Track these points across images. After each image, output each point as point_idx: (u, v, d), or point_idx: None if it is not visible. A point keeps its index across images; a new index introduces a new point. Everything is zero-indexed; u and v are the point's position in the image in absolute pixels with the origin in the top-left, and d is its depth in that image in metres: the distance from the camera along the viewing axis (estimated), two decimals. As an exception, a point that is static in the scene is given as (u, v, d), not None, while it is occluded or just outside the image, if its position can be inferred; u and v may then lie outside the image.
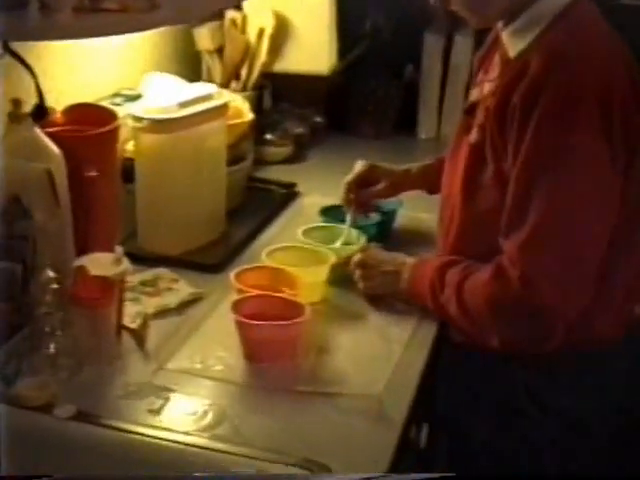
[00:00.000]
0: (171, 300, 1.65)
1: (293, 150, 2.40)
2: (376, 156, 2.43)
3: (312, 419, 1.37)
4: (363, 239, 1.78)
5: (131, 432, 1.32)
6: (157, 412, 1.36)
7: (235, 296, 1.57)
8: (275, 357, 1.48)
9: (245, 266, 1.65)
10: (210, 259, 1.81)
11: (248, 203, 2.09)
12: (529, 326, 1.47)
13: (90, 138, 1.60)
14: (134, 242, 1.83)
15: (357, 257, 1.69)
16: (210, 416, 1.36)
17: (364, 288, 1.69)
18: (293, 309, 1.52)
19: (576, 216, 1.45)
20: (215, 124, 1.82)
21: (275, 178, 2.23)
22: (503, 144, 1.49)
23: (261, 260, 1.68)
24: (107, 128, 1.61)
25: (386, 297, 1.68)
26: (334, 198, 1.91)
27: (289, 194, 2.16)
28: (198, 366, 1.47)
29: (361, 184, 1.85)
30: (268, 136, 2.36)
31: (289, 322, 1.47)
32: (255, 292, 1.55)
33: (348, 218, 1.83)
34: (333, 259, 1.68)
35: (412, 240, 1.96)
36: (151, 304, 1.64)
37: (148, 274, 1.74)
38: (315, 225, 1.84)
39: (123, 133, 1.81)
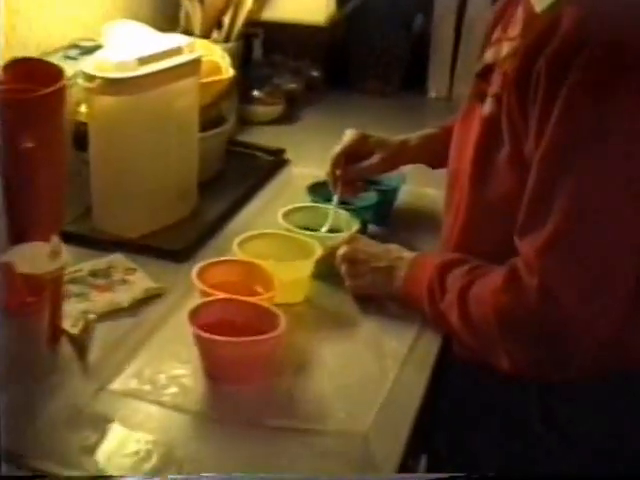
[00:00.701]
0: (124, 297, 1.38)
1: (284, 109, 2.11)
2: (380, 116, 2.19)
3: (282, 462, 1.10)
4: (355, 224, 1.50)
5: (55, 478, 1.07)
6: (91, 451, 1.10)
7: (198, 298, 1.30)
8: (241, 379, 1.22)
9: (211, 260, 1.38)
10: (176, 243, 1.54)
11: (227, 172, 1.81)
12: (547, 347, 1.20)
13: (26, 102, 1.32)
14: (87, 222, 1.56)
15: (343, 250, 1.41)
16: (155, 458, 1.10)
17: (352, 287, 1.42)
18: (266, 318, 1.25)
19: (608, 217, 1.18)
20: (184, 83, 1.54)
21: (261, 143, 1.94)
22: (523, 120, 1.21)
23: (233, 249, 1.40)
24: (48, 90, 1.33)
25: (378, 298, 1.42)
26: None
27: (276, 162, 1.88)
28: (147, 387, 1.20)
29: (350, 158, 1.57)
30: (256, 93, 2.08)
31: (259, 338, 1.20)
32: (220, 295, 1.28)
33: (335, 199, 1.56)
34: (318, 251, 1.41)
35: (416, 222, 1.69)
36: (100, 302, 1.37)
37: (101, 262, 1.47)
38: (299, 206, 1.56)
39: (75, 93, 1.54)
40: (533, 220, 1.19)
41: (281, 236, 1.46)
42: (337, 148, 1.57)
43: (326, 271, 1.43)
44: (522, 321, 1.19)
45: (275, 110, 2.10)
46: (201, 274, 1.33)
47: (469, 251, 1.32)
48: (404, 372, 1.27)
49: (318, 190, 1.62)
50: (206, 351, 1.21)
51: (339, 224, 1.53)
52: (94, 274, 1.44)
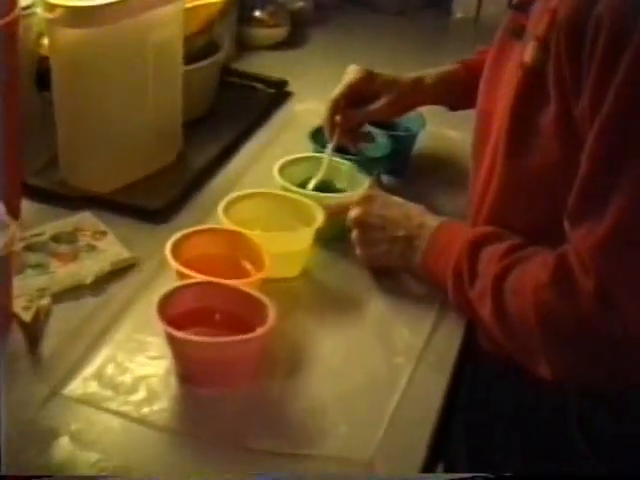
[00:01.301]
0: (89, 270, 1.17)
1: (289, 32, 1.86)
2: (398, 39, 1.93)
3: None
4: (363, 180, 1.27)
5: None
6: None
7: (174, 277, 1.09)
8: (221, 383, 1.01)
9: (189, 229, 1.15)
10: (155, 200, 1.31)
11: (220, 108, 1.57)
12: (599, 359, 0.98)
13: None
14: (53, 173, 1.34)
15: (355, 212, 1.18)
16: (110, 489, 0.90)
17: (363, 256, 1.20)
18: (252, 306, 1.03)
19: None
20: (164, 11, 1.29)
21: (262, 72, 1.69)
22: (576, 77, 0.97)
23: (217, 215, 1.18)
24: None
25: (393, 270, 1.20)
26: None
27: (277, 96, 1.64)
28: (108, 393, 1.00)
29: (353, 100, 1.32)
30: (257, 13, 1.82)
31: (240, 338, 0.98)
32: (197, 277, 1.06)
33: (329, 147, 1.32)
34: (320, 217, 1.18)
35: (437, 172, 1.46)
36: (60, 275, 1.16)
37: (67, 223, 1.25)
38: (299, 157, 1.32)
39: (35, 25, 1.31)
40: (588, 206, 0.96)
41: (276, 196, 1.23)
42: (337, 89, 1.32)
43: (331, 236, 1.20)
44: (571, 327, 0.97)
45: (279, 33, 1.84)
46: (177, 247, 1.11)
47: (502, 225, 1.10)
48: (418, 372, 1.06)
49: (323, 136, 1.38)
50: (178, 352, 1.00)
51: (337, 178, 1.30)
52: (57, 239, 1.22)
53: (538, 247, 1.04)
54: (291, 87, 1.66)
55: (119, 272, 1.18)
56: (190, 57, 1.43)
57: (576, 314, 0.96)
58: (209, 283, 1.06)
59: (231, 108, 1.58)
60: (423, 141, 1.48)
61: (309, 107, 1.58)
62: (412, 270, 1.18)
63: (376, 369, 1.06)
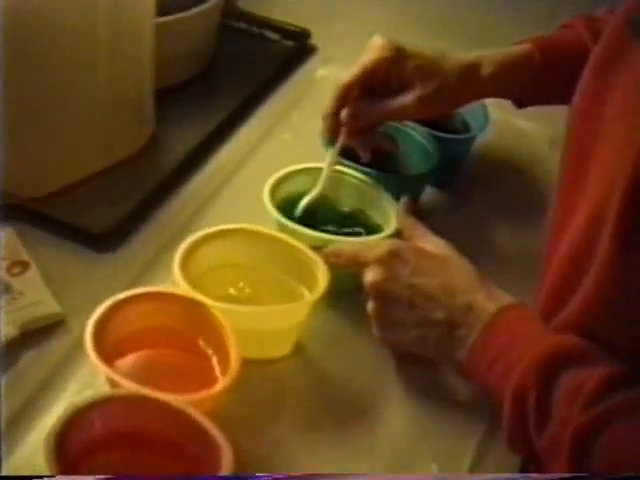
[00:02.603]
0: (-10, 331, 0.82)
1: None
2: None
3: None
4: (386, 203, 0.91)
5: None
6: None
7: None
8: None
9: (128, 293, 0.79)
10: (101, 214, 0.95)
11: (217, 66, 1.18)
12: None
13: None
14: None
15: (372, 275, 0.81)
16: None
17: (383, 340, 0.83)
18: (200, 439, 0.68)
19: None
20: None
21: (276, 16, 1.28)
22: None
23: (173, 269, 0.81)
24: None
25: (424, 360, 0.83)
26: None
27: (295, 52, 1.24)
28: None
29: (371, 89, 0.93)
30: None
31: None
32: (122, 389, 0.70)
33: (330, 152, 0.93)
34: (323, 281, 0.81)
35: (499, 185, 1.07)
36: (-53, 338, 0.82)
37: (-25, 247, 0.90)
38: (300, 168, 0.94)
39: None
40: None
41: (262, 236, 0.85)
42: (350, 71, 0.92)
43: (336, 289, 0.83)
44: None
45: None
46: (108, 321, 0.75)
47: (592, 331, 0.72)
48: None
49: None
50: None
51: (344, 196, 0.93)
52: (-44, 270, 0.88)
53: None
54: (315, 40, 1.26)
55: (36, 332, 0.83)
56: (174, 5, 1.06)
57: None
58: (139, 399, 0.70)
59: (232, 66, 1.19)
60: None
61: (337, 72, 1.18)
62: (451, 364, 0.81)
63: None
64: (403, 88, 0.92)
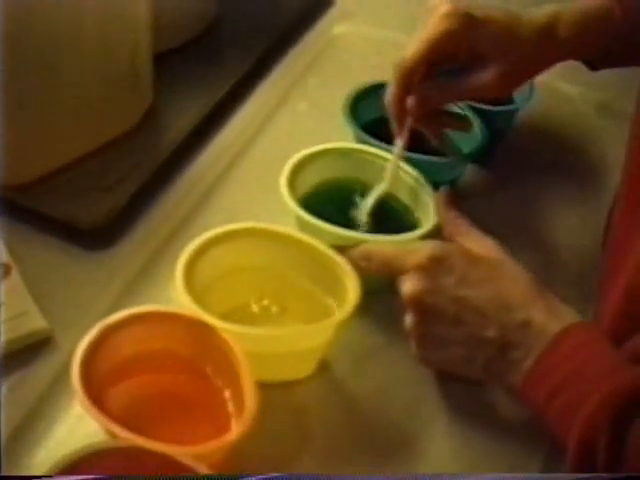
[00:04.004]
0: (-38, 356, 0.70)
1: None
2: None
3: None
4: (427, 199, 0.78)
5: None
6: None
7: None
8: None
9: (125, 313, 0.66)
10: (92, 205, 0.82)
11: (220, 26, 1.05)
12: None
13: None
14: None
15: (411, 285, 0.68)
16: None
17: (423, 359, 0.71)
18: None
19: None
20: None
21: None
22: None
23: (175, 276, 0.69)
24: None
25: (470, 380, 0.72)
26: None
27: (309, 8, 1.10)
28: None
29: (436, 65, 0.79)
30: None
31: None
32: (124, 439, 0.59)
33: (398, 143, 0.80)
34: (354, 295, 0.69)
35: (544, 162, 0.94)
36: None
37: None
38: (322, 148, 0.81)
39: None
40: None
41: (280, 238, 0.73)
42: (412, 47, 0.78)
43: (366, 290, 0.71)
44: None
45: None
46: (99, 346, 0.63)
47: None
48: None
49: (372, 104, 0.86)
50: None
51: (400, 191, 0.80)
52: None
53: None
54: (334, -9, 1.12)
55: (19, 353, 0.71)
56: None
57: None
58: (138, 450, 0.58)
59: (238, 25, 1.05)
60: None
61: (358, 28, 1.05)
62: (504, 388, 0.70)
63: None
64: (476, 62, 0.78)
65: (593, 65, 0.86)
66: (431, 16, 0.77)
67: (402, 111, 0.78)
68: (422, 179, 0.79)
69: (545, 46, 0.80)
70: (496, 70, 0.78)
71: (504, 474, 0.68)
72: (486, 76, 0.78)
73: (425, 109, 0.79)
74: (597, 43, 0.82)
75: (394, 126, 0.79)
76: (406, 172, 0.80)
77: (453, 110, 0.85)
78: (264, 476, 0.60)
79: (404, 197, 0.80)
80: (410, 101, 0.78)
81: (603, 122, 1.00)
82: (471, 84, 0.78)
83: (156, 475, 0.58)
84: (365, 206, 0.78)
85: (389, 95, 0.79)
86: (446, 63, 0.79)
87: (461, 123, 0.84)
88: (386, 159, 0.80)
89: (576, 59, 0.85)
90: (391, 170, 0.79)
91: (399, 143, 0.79)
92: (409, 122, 0.78)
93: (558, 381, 0.63)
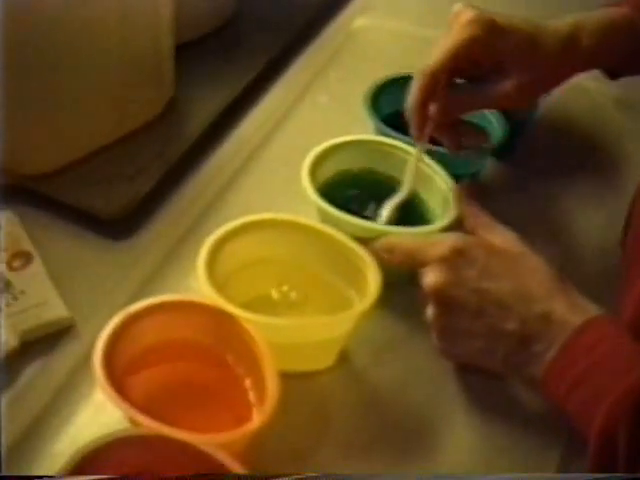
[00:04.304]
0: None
1: None
2: None
3: None
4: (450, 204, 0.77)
5: None
6: None
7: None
8: None
9: (147, 302, 0.66)
10: (114, 194, 0.83)
11: (241, 18, 1.05)
12: None
13: None
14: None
15: (432, 277, 0.68)
16: None
17: (444, 351, 0.71)
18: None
19: None
20: None
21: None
22: None
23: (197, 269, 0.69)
24: None
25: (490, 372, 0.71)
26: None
27: (329, 1, 1.10)
28: None
29: (458, 73, 0.79)
30: None
31: None
32: (147, 426, 0.59)
33: (416, 149, 0.79)
34: (375, 285, 0.69)
35: (566, 158, 0.94)
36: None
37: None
38: (343, 141, 0.81)
39: None
40: None
41: (301, 228, 0.73)
42: (436, 55, 0.77)
43: (388, 281, 0.71)
44: None
45: None
46: (121, 335, 0.64)
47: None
48: None
49: (392, 97, 0.86)
50: None
51: (423, 189, 0.80)
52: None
53: None
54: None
55: (40, 340, 0.72)
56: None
57: None
58: (154, 437, 0.58)
59: (258, 17, 1.05)
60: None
61: (379, 21, 1.05)
62: (524, 381, 0.70)
63: None
64: (497, 71, 0.78)
65: (613, 74, 0.86)
66: (455, 22, 0.77)
67: (423, 118, 0.78)
68: (442, 172, 0.79)
69: (568, 56, 0.79)
70: (517, 80, 0.77)
71: (521, 474, 0.68)
72: (507, 86, 0.77)
73: (447, 117, 0.78)
74: (619, 52, 0.82)
75: (413, 132, 0.79)
76: (427, 166, 0.79)
77: (473, 121, 0.84)
78: (299, 476, 0.60)
79: (425, 193, 0.80)
80: (432, 108, 0.77)
81: (621, 115, 1.00)
82: (490, 94, 0.78)
83: (183, 475, 0.58)
84: (386, 211, 0.77)
85: (411, 101, 0.78)
86: (469, 70, 0.78)
87: (479, 136, 0.83)
88: (407, 151, 0.80)
89: (595, 68, 0.85)
90: (410, 175, 0.79)
91: (418, 148, 0.79)
92: (429, 129, 0.78)
93: (580, 373, 0.63)
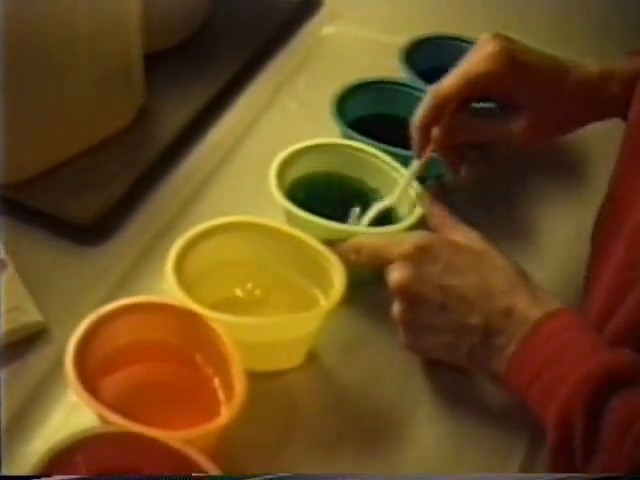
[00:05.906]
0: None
1: None
2: None
3: None
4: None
5: None
6: None
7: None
8: None
9: (117, 303, 0.68)
10: (87, 200, 0.84)
11: (211, 27, 1.06)
12: None
13: None
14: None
15: (398, 274, 0.70)
16: None
17: (410, 346, 0.72)
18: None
19: None
20: None
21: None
22: None
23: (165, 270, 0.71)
24: None
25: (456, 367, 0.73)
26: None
27: (299, 9, 1.11)
28: None
29: (469, 100, 0.79)
30: None
31: None
32: (118, 424, 0.61)
33: (414, 164, 0.80)
34: (339, 285, 0.71)
35: (543, 161, 0.96)
36: None
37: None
38: (310, 144, 0.83)
39: None
40: None
41: (268, 231, 0.74)
42: (450, 78, 0.78)
43: (354, 281, 0.72)
44: None
45: None
46: (92, 337, 0.65)
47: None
48: None
49: (359, 102, 0.88)
50: None
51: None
52: None
53: None
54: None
55: (14, 345, 0.73)
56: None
57: None
58: (134, 436, 0.60)
59: (229, 26, 1.07)
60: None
61: (347, 29, 1.07)
62: (486, 374, 0.71)
63: None
64: (512, 106, 0.78)
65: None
66: (478, 51, 0.78)
67: (425, 138, 0.79)
68: (407, 173, 0.80)
69: (591, 103, 0.79)
70: (527, 121, 0.78)
71: (489, 474, 0.70)
72: (516, 125, 0.78)
73: (449, 142, 0.79)
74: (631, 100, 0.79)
75: (414, 149, 0.80)
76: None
77: (476, 146, 0.84)
78: (271, 476, 0.61)
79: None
80: (435, 132, 0.78)
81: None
82: (498, 129, 0.79)
83: (160, 475, 0.59)
84: (366, 217, 0.79)
85: (416, 119, 0.79)
86: (481, 100, 0.79)
87: (479, 165, 0.84)
88: (372, 154, 0.82)
89: (617, 117, 0.82)
90: (402, 188, 0.80)
91: (415, 165, 0.80)
92: (429, 149, 0.79)
93: (539, 364, 0.65)
